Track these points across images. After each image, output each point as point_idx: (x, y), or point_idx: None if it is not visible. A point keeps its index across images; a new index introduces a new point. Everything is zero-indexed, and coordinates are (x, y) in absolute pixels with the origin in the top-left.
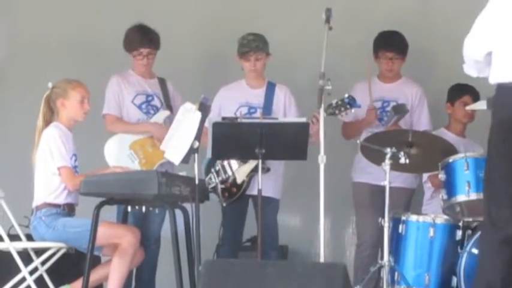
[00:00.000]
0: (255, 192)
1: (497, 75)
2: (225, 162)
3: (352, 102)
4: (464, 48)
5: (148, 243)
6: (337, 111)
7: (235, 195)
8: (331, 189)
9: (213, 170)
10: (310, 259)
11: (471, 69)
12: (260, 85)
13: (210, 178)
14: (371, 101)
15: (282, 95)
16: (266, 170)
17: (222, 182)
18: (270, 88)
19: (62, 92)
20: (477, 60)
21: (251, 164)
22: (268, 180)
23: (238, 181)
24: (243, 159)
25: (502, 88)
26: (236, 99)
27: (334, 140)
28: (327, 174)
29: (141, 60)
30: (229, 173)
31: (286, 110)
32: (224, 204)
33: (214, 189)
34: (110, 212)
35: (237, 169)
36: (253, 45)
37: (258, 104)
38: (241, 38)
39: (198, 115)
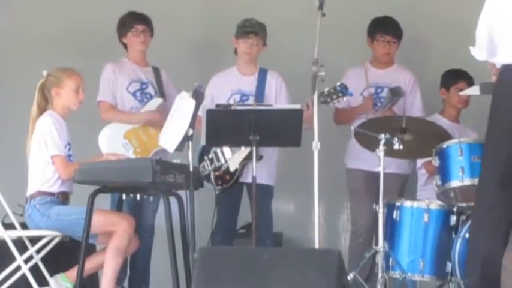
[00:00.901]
0: (248, 180)
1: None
2: (218, 150)
3: (344, 91)
4: (478, 26)
5: (143, 231)
6: (329, 99)
7: (228, 183)
8: (325, 176)
9: (206, 157)
10: (305, 246)
11: (482, 51)
12: (252, 72)
13: (204, 166)
14: (368, 90)
15: (273, 82)
16: (259, 157)
17: (215, 169)
18: (262, 75)
19: (56, 80)
20: (492, 39)
21: (244, 152)
22: (262, 168)
23: (231, 169)
24: (237, 146)
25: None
26: (228, 87)
27: (328, 126)
28: (321, 160)
29: (137, 37)
30: (222, 160)
31: (277, 97)
32: (217, 192)
33: (208, 176)
34: (105, 200)
35: (230, 157)
36: (256, 27)
37: (250, 91)
38: (244, 20)
39: (192, 103)
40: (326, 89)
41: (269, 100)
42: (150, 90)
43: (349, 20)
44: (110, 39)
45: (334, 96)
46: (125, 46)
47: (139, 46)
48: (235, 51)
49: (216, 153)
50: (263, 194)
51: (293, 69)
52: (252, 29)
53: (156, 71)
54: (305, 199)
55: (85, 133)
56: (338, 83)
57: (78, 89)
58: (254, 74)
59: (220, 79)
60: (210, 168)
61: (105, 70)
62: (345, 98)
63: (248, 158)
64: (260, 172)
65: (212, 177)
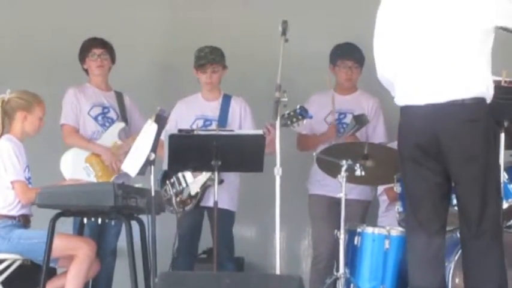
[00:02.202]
0: (209, 204)
1: (403, 97)
2: (180, 175)
3: (303, 113)
4: (378, 75)
5: (104, 255)
6: (289, 122)
7: (189, 207)
8: (287, 201)
9: (168, 182)
10: (266, 271)
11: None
12: (215, 97)
13: (166, 190)
14: (333, 117)
15: (237, 107)
16: (220, 181)
17: (177, 194)
18: (226, 100)
19: (26, 104)
20: (389, 81)
21: (205, 176)
22: (224, 193)
23: (192, 192)
24: (200, 171)
25: (407, 109)
26: (192, 112)
27: (290, 152)
28: (282, 186)
29: (95, 61)
30: (184, 184)
31: (242, 122)
32: (178, 216)
33: (169, 201)
34: (66, 224)
35: (192, 181)
36: (210, 57)
37: (213, 117)
38: (198, 51)
39: (154, 127)
40: (286, 112)
41: (232, 125)
42: (112, 114)
43: (315, 46)
44: (72, 64)
45: (294, 119)
46: (87, 72)
47: (97, 70)
48: (198, 81)
49: (177, 177)
50: (224, 218)
51: (257, 93)
52: (206, 61)
53: (119, 95)
54: (267, 224)
55: (46, 155)
56: (298, 106)
57: (42, 117)
58: (218, 99)
59: (185, 105)
60: (171, 193)
61: (67, 94)
62: (304, 121)
63: (209, 181)
64: (222, 197)
65: (174, 201)
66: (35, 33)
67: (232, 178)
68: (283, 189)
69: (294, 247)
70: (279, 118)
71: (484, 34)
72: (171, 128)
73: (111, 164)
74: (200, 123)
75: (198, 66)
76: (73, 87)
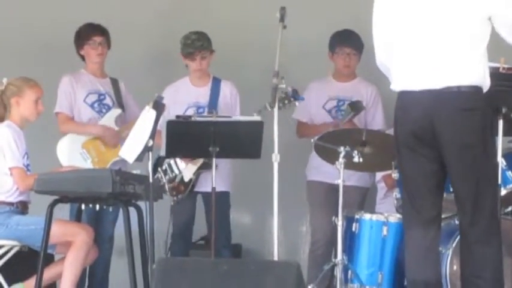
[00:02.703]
0: (203, 189)
1: (400, 83)
2: (172, 161)
3: (295, 95)
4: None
5: (102, 242)
6: (281, 104)
7: (183, 193)
8: (285, 188)
9: (159, 169)
10: (264, 258)
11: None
12: (205, 83)
13: (158, 177)
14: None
15: (227, 91)
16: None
17: (170, 181)
18: (215, 85)
19: (17, 90)
20: (387, 67)
21: (198, 162)
22: (217, 175)
23: (186, 179)
24: (198, 157)
25: (403, 94)
26: (183, 99)
27: (289, 138)
28: (281, 172)
29: (95, 49)
30: (176, 171)
31: (232, 108)
32: (172, 203)
33: (162, 188)
34: (63, 210)
35: (184, 168)
36: (198, 44)
37: (205, 103)
38: (184, 38)
39: (153, 113)
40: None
41: (223, 110)
42: (108, 101)
43: (313, 33)
44: (68, 49)
45: (286, 101)
46: (83, 58)
47: (97, 58)
48: (186, 66)
49: (169, 164)
50: (221, 201)
51: (251, 79)
52: (194, 49)
53: (114, 82)
54: (265, 211)
55: (44, 142)
56: (289, 88)
57: (38, 101)
58: (207, 85)
59: (174, 91)
60: (164, 180)
61: (62, 82)
62: (297, 103)
63: (202, 167)
64: (216, 180)
65: (166, 188)
66: (29, 19)
67: (224, 162)
68: (281, 176)
69: (292, 234)
70: (277, 105)
71: (482, 22)
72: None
73: (111, 141)
74: (192, 111)
75: (186, 54)
76: (68, 74)
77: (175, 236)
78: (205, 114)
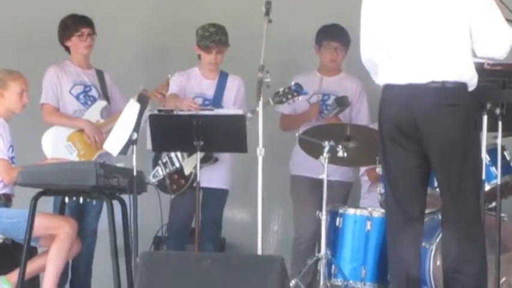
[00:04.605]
0: (205, 184)
1: (385, 76)
2: (172, 154)
3: (299, 90)
4: (361, 51)
5: (85, 235)
6: (284, 99)
7: (183, 187)
8: (270, 182)
9: (160, 162)
10: (248, 252)
11: (372, 74)
12: (214, 76)
13: (158, 171)
14: (318, 98)
15: (233, 87)
16: (214, 160)
17: (170, 174)
18: (223, 78)
19: (1, 82)
20: (372, 62)
21: (198, 156)
22: (217, 171)
23: (186, 172)
24: (183, 151)
25: (388, 88)
26: (192, 89)
27: (274, 132)
28: (265, 166)
29: (84, 41)
30: (177, 164)
31: (236, 103)
32: (172, 197)
33: (162, 181)
34: (47, 203)
35: (185, 160)
36: (216, 38)
37: (211, 96)
38: (202, 29)
39: (137, 106)
40: (281, 89)
41: (228, 104)
42: (94, 92)
43: (299, 27)
44: (54, 40)
45: (289, 96)
46: (67, 49)
47: (85, 50)
48: (199, 57)
49: (170, 157)
50: (217, 198)
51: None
52: (211, 43)
53: (100, 73)
54: (249, 205)
55: (29, 134)
56: (293, 82)
57: (23, 93)
58: (216, 78)
59: (185, 79)
60: (164, 173)
61: (47, 73)
62: (300, 98)
63: (203, 161)
64: (214, 176)
65: (167, 182)
66: (17, 14)
67: (225, 156)
68: (266, 170)
69: (276, 228)
70: (261, 98)
71: (468, 20)
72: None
73: (94, 138)
74: (199, 101)
75: (203, 46)
76: (54, 65)
77: (172, 231)
78: (210, 107)
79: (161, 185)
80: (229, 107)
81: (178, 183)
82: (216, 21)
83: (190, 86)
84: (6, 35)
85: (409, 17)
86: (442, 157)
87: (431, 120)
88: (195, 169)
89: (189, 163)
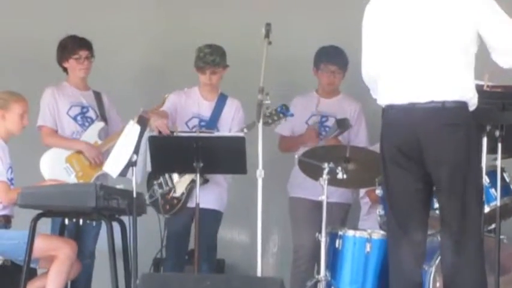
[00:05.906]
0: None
1: (386, 96)
2: (166, 175)
3: (284, 111)
4: (363, 73)
5: (83, 257)
6: (270, 121)
7: (175, 208)
8: (270, 204)
9: (155, 182)
10: (247, 273)
11: (374, 94)
12: (213, 98)
13: (153, 191)
14: (313, 119)
15: (231, 110)
16: (203, 181)
17: (163, 194)
18: (221, 101)
19: (3, 103)
20: (373, 78)
21: (190, 176)
22: (210, 193)
23: (178, 193)
24: (183, 172)
25: (389, 109)
26: (190, 109)
27: (274, 154)
28: (265, 188)
29: (81, 64)
30: (170, 185)
31: (232, 127)
32: (166, 216)
33: (156, 202)
34: (45, 224)
35: (177, 181)
36: (209, 59)
37: (207, 117)
38: (198, 50)
39: (137, 128)
40: (268, 110)
41: (223, 126)
42: (91, 114)
43: (299, 48)
44: (50, 63)
45: (275, 118)
46: (65, 69)
47: (82, 73)
48: (199, 78)
49: (164, 178)
50: (210, 219)
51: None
52: (204, 64)
53: (97, 95)
54: (248, 226)
55: (27, 156)
56: (279, 104)
57: (24, 115)
58: (214, 99)
59: (185, 97)
60: (158, 194)
61: (45, 94)
62: (285, 120)
63: (194, 181)
64: (208, 197)
65: (160, 203)
66: (19, 34)
67: (219, 179)
68: (266, 192)
69: (276, 249)
70: (261, 120)
71: (469, 40)
72: (167, 108)
73: (94, 159)
74: (195, 121)
75: (197, 67)
76: (51, 86)
77: (170, 252)
78: (204, 129)
79: (155, 205)
80: (225, 130)
81: (171, 203)
82: (216, 43)
83: (188, 106)
84: (9, 55)
85: (410, 36)
86: (443, 178)
87: (433, 140)
88: (187, 190)
89: (181, 183)
